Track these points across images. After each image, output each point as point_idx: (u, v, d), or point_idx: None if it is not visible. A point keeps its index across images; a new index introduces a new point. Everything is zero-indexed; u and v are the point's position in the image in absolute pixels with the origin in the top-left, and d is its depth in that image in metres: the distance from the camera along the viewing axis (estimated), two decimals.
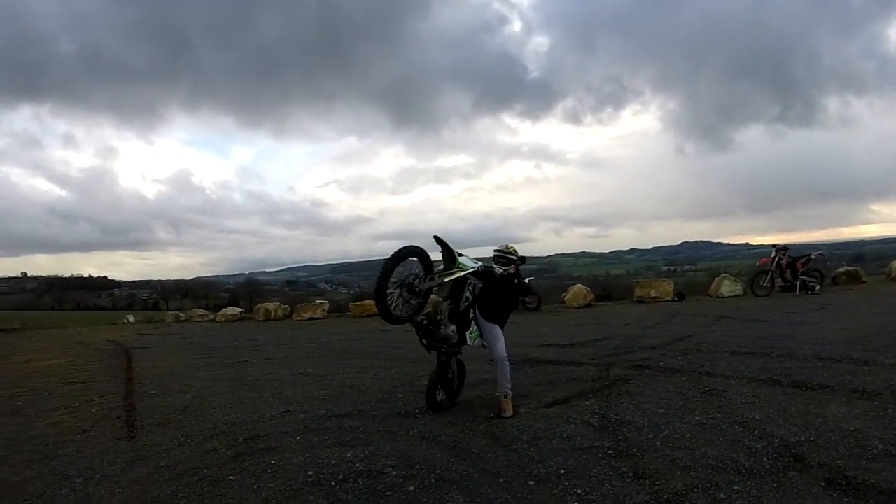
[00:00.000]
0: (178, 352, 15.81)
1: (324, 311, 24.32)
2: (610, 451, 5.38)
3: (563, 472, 5.01)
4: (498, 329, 7.03)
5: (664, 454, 5.22)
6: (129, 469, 5.86)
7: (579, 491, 4.62)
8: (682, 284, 24.45)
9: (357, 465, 5.47)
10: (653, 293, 20.46)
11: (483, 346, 7.11)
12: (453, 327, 6.90)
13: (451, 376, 7.19)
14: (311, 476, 5.28)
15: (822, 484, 4.43)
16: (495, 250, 7.24)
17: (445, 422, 6.63)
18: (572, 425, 6.21)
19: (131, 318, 32.79)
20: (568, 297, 21.38)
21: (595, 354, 9.89)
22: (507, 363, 6.93)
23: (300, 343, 15.89)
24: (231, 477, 5.41)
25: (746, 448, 5.22)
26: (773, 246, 19.74)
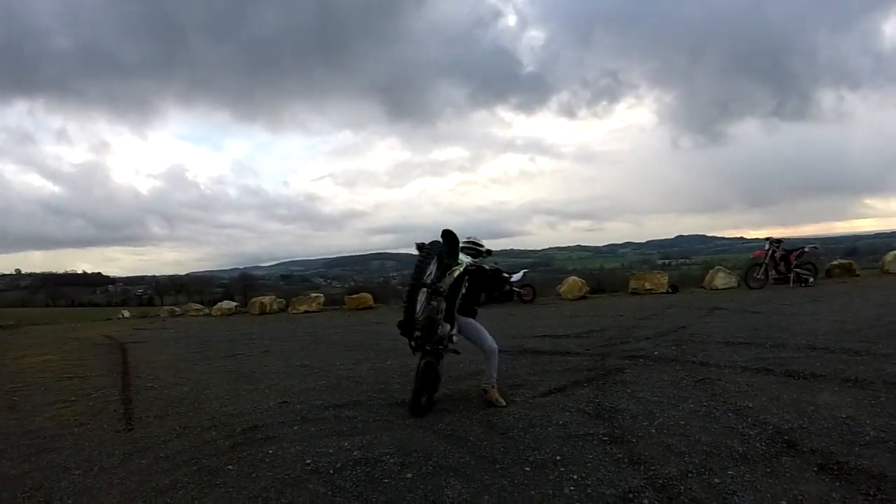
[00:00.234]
0: (173, 346, 15.78)
1: (319, 304, 24.37)
2: (605, 438, 5.44)
3: (558, 458, 5.06)
4: (477, 322, 7.07)
5: (659, 440, 5.28)
6: (127, 460, 5.86)
7: (575, 476, 4.66)
8: (676, 277, 24.60)
9: (355, 453, 5.50)
10: (647, 285, 20.62)
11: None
12: (448, 326, 6.80)
13: (435, 378, 6.98)
14: (309, 465, 5.31)
15: (815, 469, 4.48)
16: (465, 241, 7.16)
17: (442, 411, 6.66)
18: (567, 413, 6.26)
19: (126, 314, 32.80)
20: (563, 289, 21.50)
21: (590, 345, 9.96)
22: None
23: (296, 336, 15.91)
24: (229, 467, 5.43)
25: (740, 434, 5.28)
26: (767, 239, 19.85)
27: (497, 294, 10.58)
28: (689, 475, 4.51)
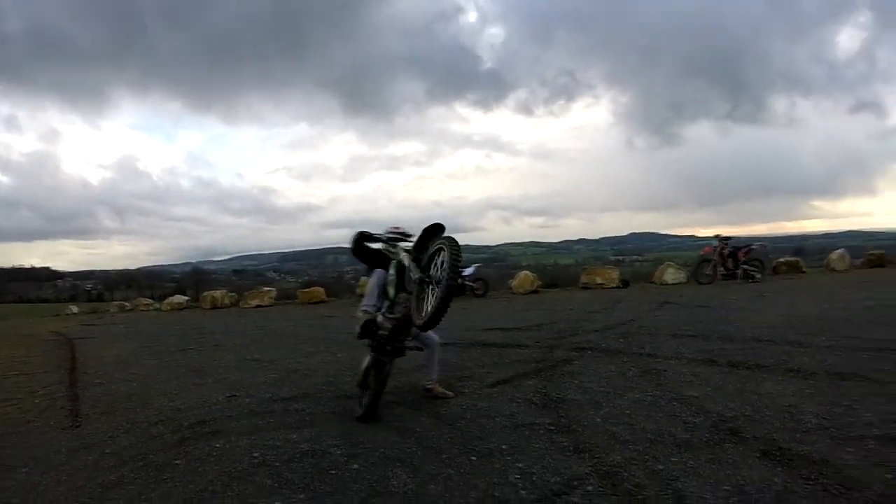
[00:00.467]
0: (122, 341, 15.49)
1: (271, 298, 24.26)
2: (551, 427, 5.47)
3: (504, 447, 5.08)
4: None
5: (604, 429, 5.33)
6: (74, 457, 5.77)
7: (520, 465, 4.68)
8: (629, 274, 24.93)
9: (302, 445, 5.46)
10: (598, 280, 20.88)
11: None
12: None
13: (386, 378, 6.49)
14: (256, 458, 5.26)
15: (757, 455, 4.55)
16: (397, 230, 6.67)
17: (391, 403, 6.63)
18: (515, 404, 6.29)
19: (75, 309, 32.24)
20: (515, 283, 21.67)
21: (539, 337, 10.02)
22: None
23: (247, 330, 15.81)
24: (177, 461, 5.36)
25: (684, 423, 5.35)
26: (717, 236, 20.25)
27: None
28: (633, 462, 4.55)
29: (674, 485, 4.12)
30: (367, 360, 6.38)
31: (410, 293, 5.93)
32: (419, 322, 5.53)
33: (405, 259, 6.10)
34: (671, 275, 21.08)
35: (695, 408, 5.74)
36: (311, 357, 10.15)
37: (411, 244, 6.35)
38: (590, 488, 4.17)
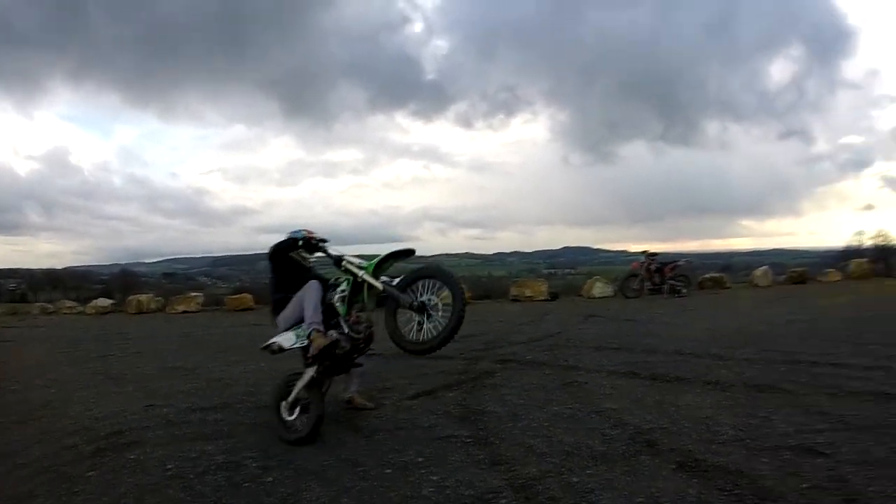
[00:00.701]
0: (43, 345, 15.15)
1: (198, 304, 23.81)
2: (469, 440, 5.45)
3: (420, 460, 5.04)
4: None
5: (521, 442, 5.31)
6: None
7: (435, 478, 4.63)
8: (560, 287, 25.11)
9: (218, 457, 5.36)
10: (528, 292, 21.00)
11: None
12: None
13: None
14: (170, 470, 5.14)
15: (673, 466, 4.58)
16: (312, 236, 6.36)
17: None
18: (434, 416, 6.25)
19: None
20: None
21: (465, 349, 10.00)
22: None
23: (171, 336, 15.52)
24: (90, 473, 5.22)
25: (601, 435, 5.36)
26: (644, 252, 20.60)
27: None
28: (549, 475, 4.54)
29: (588, 497, 4.12)
30: (305, 379, 5.86)
31: (369, 311, 6.01)
32: (415, 347, 5.80)
33: (365, 276, 5.93)
34: (599, 289, 21.36)
35: (613, 420, 5.76)
36: (234, 366, 9.99)
37: (340, 255, 6.15)
38: (503, 502, 4.14)
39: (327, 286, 6.10)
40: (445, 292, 5.78)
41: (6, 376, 10.40)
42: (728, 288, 22.35)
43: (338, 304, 5.98)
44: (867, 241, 30.83)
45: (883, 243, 28.45)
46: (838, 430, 5.26)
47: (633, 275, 20.75)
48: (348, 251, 6.29)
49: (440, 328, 5.64)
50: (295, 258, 6.37)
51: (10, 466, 5.61)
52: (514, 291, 21.64)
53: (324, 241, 6.25)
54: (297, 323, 5.99)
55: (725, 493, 4.06)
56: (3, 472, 5.50)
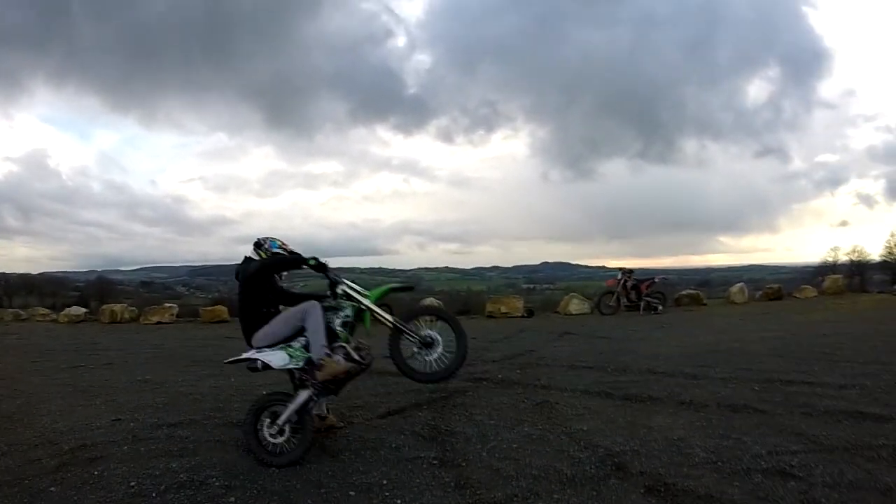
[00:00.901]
0: (11, 354, 14.82)
1: (172, 315, 23.54)
2: (435, 462, 5.39)
3: (385, 482, 4.98)
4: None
5: (489, 464, 5.27)
6: None
7: (398, 501, 4.58)
8: (539, 302, 25.16)
9: (181, 475, 5.28)
10: (503, 309, 20.84)
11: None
12: None
13: None
14: (133, 487, 5.07)
15: (642, 491, 4.57)
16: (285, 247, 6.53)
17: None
18: (402, 436, 6.18)
19: None
20: None
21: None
22: None
23: (143, 348, 15.26)
24: (52, 488, 5.14)
25: (570, 458, 5.33)
26: (620, 269, 20.63)
27: None
28: (515, 499, 4.51)
29: None
30: (299, 401, 5.70)
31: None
32: (425, 378, 6.26)
33: (371, 306, 6.10)
34: (575, 305, 21.29)
35: (583, 442, 5.72)
36: (204, 380, 9.85)
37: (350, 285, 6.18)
38: None
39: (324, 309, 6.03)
40: (441, 325, 6.34)
41: None
42: (705, 305, 22.32)
43: (339, 329, 5.97)
44: (842, 257, 31.15)
45: (857, 259, 28.79)
46: (812, 451, 5.28)
47: (610, 292, 20.70)
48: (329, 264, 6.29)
49: (447, 361, 6.14)
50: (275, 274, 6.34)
51: None
52: (489, 308, 21.42)
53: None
54: (283, 341, 5.90)
55: None
56: None
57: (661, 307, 20.09)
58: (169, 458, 5.76)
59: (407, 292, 6.70)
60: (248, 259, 6.39)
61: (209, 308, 23.38)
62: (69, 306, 27.75)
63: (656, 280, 21.18)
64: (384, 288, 6.46)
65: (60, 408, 8.18)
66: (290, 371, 5.88)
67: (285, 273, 6.55)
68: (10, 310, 30.56)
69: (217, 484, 5.07)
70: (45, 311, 28.04)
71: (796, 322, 15.82)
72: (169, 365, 12.01)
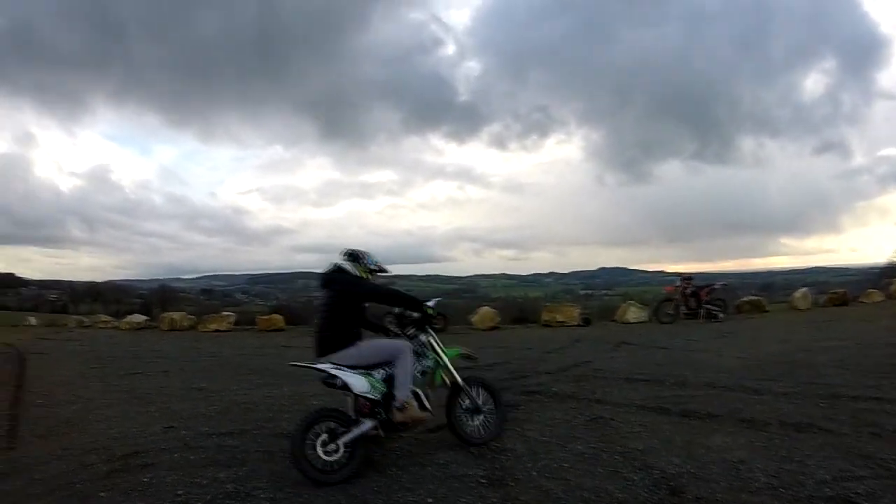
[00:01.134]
0: (74, 360, 15.42)
1: (230, 323, 23.91)
2: (483, 481, 5.24)
3: (430, 500, 4.88)
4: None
5: (538, 484, 5.10)
6: (2, 481, 5.70)
7: None
8: (597, 309, 24.87)
9: (228, 485, 5.26)
10: (559, 317, 20.69)
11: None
12: None
13: None
14: (180, 495, 5.08)
15: None
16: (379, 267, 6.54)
17: None
18: (451, 451, 6.06)
19: (33, 321, 31.85)
20: (476, 318, 21.37)
21: (491, 379, 9.81)
22: None
23: (200, 356, 15.61)
24: (101, 493, 5.19)
25: (623, 479, 5.12)
26: (679, 275, 20.22)
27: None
28: None
29: None
30: (363, 429, 5.62)
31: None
32: (470, 439, 6.29)
33: (449, 365, 6.44)
34: (633, 313, 20.92)
35: (637, 462, 5.51)
36: (258, 389, 9.94)
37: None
38: None
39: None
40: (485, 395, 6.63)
41: (35, 389, 10.59)
42: (767, 311, 21.72)
43: (418, 376, 6.07)
44: None
45: None
46: (880, 476, 4.97)
47: (668, 299, 20.36)
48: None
49: (489, 427, 6.45)
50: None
51: (26, 481, 5.62)
52: (545, 316, 21.33)
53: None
54: (364, 367, 5.86)
55: None
56: (18, 486, 5.52)
57: (721, 315, 19.50)
58: (217, 468, 5.77)
59: (472, 361, 6.98)
60: (340, 269, 6.25)
61: (266, 317, 23.72)
62: (132, 313, 28.49)
63: (716, 286, 20.49)
64: (456, 350, 6.69)
65: (116, 414, 8.37)
66: (355, 396, 5.75)
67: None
68: (75, 316, 31.56)
69: (263, 496, 5.04)
70: (108, 318, 28.85)
71: (863, 330, 15.25)
72: (224, 373, 12.21)
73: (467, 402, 6.44)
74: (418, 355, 6.11)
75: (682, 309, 19.86)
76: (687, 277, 20.26)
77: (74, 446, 6.74)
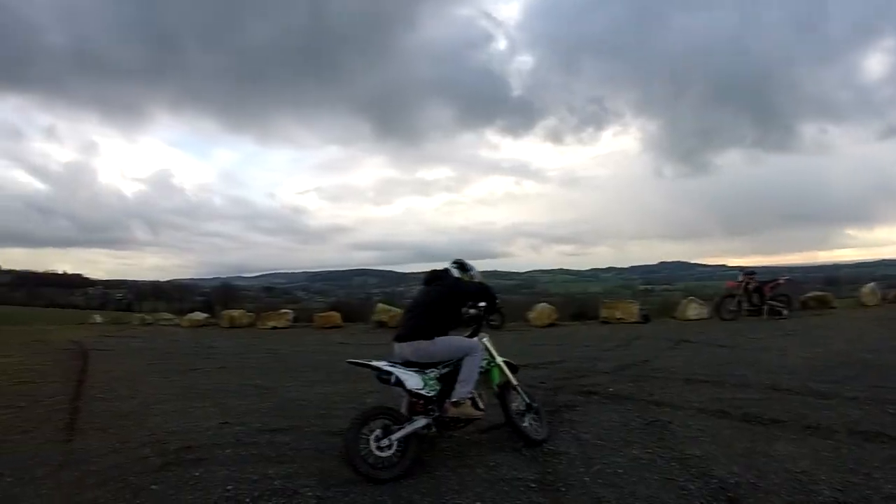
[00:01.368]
0: (135, 356, 15.89)
1: (287, 320, 24.22)
2: (533, 485, 5.11)
3: None
4: None
5: (590, 491, 4.95)
6: (59, 471, 5.79)
7: None
8: (657, 304, 24.48)
9: (276, 482, 5.29)
10: (618, 314, 20.42)
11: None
12: None
13: None
14: (229, 490, 5.13)
15: None
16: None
17: None
18: (502, 453, 5.96)
19: (98, 319, 32.72)
20: (533, 315, 21.24)
21: (546, 377, 9.68)
22: None
23: (257, 352, 15.86)
24: (154, 486, 5.30)
25: (679, 488, 4.94)
26: (741, 269, 19.74)
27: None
28: None
29: None
30: (417, 425, 5.67)
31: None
32: (527, 440, 6.24)
33: (505, 369, 6.76)
34: (694, 310, 20.49)
35: (695, 470, 5.31)
36: (312, 387, 10.01)
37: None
38: None
39: None
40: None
41: (96, 384, 10.87)
42: (833, 308, 21.02)
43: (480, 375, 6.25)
44: None
45: None
46: None
47: (730, 295, 19.76)
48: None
49: (540, 431, 6.46)
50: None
51: (82, 472, 5.73)
52: (603, 313, 21.10)
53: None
54: (436, 363, 6.03)
55: None
56: (75, 477, 5.62)
57: (785, 311, 18.96)
58: (267, 464, 5.81)
59: (515, 371, 6.91)
60: (447, 272, 6.66)
61: (323, 314, 23.93)
62: (194, 311, 29.05)
63: (781, 281, 19.84)
64: (508, 360, 6.93)
65: (173, 409, 8.53)
66: (408, 393, 5.80)
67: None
68: (137, 314, 32.40)
69: (310, 494, 5.04)
70: (170, 315, 29.59)
71: None
72: (279, 370, 12.39)
73: (519, 401, 6.56)
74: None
75: (745, 305, 19.30)
76: (749, 272, 19.63)
77: (131, 439, 6.88)
